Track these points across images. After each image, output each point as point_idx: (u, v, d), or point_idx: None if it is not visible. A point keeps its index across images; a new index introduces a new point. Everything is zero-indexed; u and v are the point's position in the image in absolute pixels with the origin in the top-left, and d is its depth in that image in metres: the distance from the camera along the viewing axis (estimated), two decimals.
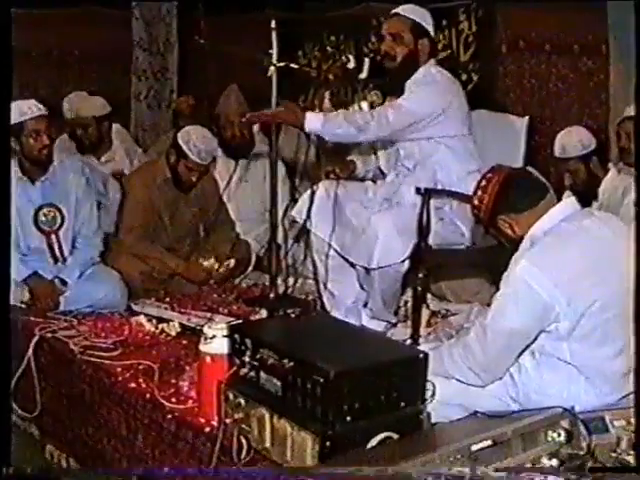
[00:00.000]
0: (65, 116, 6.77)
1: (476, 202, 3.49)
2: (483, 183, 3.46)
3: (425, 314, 4.71)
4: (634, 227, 3.28)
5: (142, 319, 4.71)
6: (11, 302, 4.75)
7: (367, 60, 4.42)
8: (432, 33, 4.69)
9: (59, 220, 5.02)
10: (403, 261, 4.36)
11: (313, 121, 4.32)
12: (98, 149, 6.47)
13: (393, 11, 4.71)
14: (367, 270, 4.46)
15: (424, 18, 4.65)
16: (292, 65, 4.36)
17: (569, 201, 3.48)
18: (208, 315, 4.82)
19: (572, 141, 5.18)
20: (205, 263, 5.43)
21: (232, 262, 5.51)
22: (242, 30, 7.87)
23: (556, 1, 6.24)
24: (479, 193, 3.47)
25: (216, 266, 5.42)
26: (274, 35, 4.29)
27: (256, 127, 6.36)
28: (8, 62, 3.38)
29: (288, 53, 8.03)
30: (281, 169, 5.89)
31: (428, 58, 4.67)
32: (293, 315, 4.30)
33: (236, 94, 6.22)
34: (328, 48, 8.17)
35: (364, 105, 4.45)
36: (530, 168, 4.47)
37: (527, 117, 4.91)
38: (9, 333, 3.39)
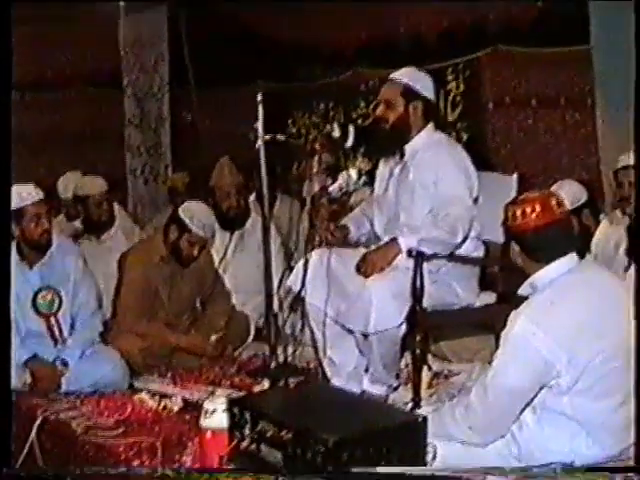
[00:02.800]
0: (60, 196, 6.84)
1: (518, 213, 3.41)
2: (537, 208, 3.38)
3: (427, 375, 4.73)
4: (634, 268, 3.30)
5: (144, 396, 4.72)
6: (13, 385, 4.82)
7: (352, 128, 4.46)
8: (430, 95, 4.73)
9: (57, 303, 5.04)
10: (400, 325, 4.37)
11: (407, 240, 4.42)
12: (99, 228, 6.53)
13: (389, 76, 4.79)
14: (365, 335, 4.47)
15: (417, 81, 4.71)
16: (279, 137, 4.40)
17: (569, 255, 3.44)
18: (210, 389, 4.84)
19: (563, 195, 5.20)
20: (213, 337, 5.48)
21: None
22: (234, 102, 7.99)
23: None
24: (528, 210, 3.39)
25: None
26: (260, 109, 4.34)
27: (252, 197, 6.42)
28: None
29: (278, 122, 8.16)
30: (276, 238, 5.94)
31: (425, 120, 4.72)
32: (292, 385, 4.32)
33: (229, 166, 6.30)
34: (314, 117, 8.25)
35: (352, 172, 4.49)
36: None
37: (516, 174, 4.93)
38: (9, 333, 3.42)
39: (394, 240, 4.48)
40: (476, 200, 4.65)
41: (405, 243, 4.42)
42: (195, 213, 5.44)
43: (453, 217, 4.45)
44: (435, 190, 4.56)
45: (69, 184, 6.87)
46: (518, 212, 3.40)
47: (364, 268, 4.44)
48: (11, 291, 3.79)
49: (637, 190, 3.61)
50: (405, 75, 4.73)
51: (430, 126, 4.73)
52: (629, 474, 3.01)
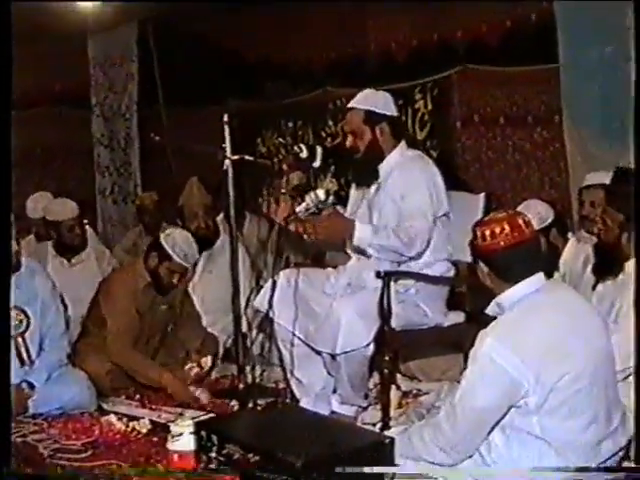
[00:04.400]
0: (29, 216, 6.80)
1: (487, 234, 3.40)
2: (506, 228, 3.39)
3: (396, 395, 4.73)
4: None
5: (112, 418, 4.72)
6: None
7: (319, 149, 4.47)
8: (393, 112, 4.74)
9: (25, 323, 5.00)
10: (368, 345, 4.37)
11: (363, 231, 4.43)
12: (71, 251, 6.48)
13: (348, 105, 4.79)
14: (333, 356, 4.47)
15: (377, 103, 4.70)
16: (247, 157, 4.39)
17: (537, 275, 3.44)
18: (179, 410, 4.86)
19: (530, 215, 5.22)
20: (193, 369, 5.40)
21: (209, 360, 5.48)
22: (203, 122, 7.97)
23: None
24: (497, 230, 3.39)
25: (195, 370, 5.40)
26: (226, 129, 4.33)
27: (220, 217, 6.42)
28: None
29: (247, 142, 8.19)
30: (245, 259, 5.94)
31: (394, 139, 4.72)
32: (259, 407, 4.30)
33: (198, 186, 6.31)
34: (279, 138, 8.25)
35: (320, 193, 4.48)
36: None
37: (483, 194, 4.96)
38: (8, 333, 3.41)
39: (352, 222, 4.49)
40: (444, 218, 4.66)
41: (359, 230, 4.43)
42: (177, 241, 5.38)
43: (414, 230, 4.46)
44: (402, 203, 4.57)
45: (38, 205, 6.83)
46: (487, 232, 3.39)
47: (305, 226, 4.46)
48: (11, 293, 3.77)
49: (636, 193, 3.62)
50: (363, 101, 4.72)
51: (402, 144, 4.75)
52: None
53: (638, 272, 3.39)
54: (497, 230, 3.38)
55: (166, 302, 5.58)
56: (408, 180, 4.60)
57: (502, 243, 3.37)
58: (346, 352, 4.36)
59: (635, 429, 3.16)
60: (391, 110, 4.74)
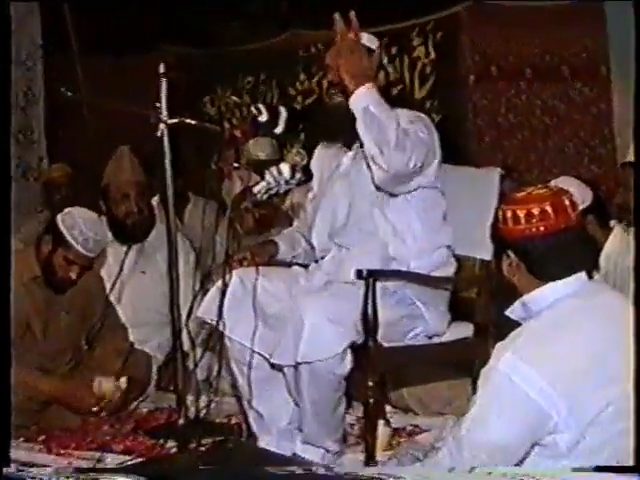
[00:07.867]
0: None
1: (521, 215, 3.38)
2: (548, 209, 3.37)
3: (384, 433, 4.74)
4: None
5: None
6: None
7: (283, 110, 4.49)
8: (384, 61, 4.84)
9: None
10: (337, 357, 4.34)
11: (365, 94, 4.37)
12: None
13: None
14: (297, 378, 4.46)
15: (372, 42, 4.74)
16: (187, 121, 4.43)
17: (578, 275, 3.42)
18: (97, 455, 4.86)
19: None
20: (103, 385, 5.46)
21: (123, 382, 5.52)
22: (131, 74, 7.99)
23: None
24: (536, 211, 3.36)
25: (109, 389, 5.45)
26: (163, 83, 4.37)
27: (155, 199, 6.43)
28: None
29: (193, 101, 8.20)
30: (190, 254, 5.98)
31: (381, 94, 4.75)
32: (204, 449, 4.32)
33: (129, 159, 6.30)
34: (234, 97, 8.27)
35: (284, 168, 4.52)
36: None
37: (499, 169, 4.98)
38: (9, 333, 3.56)
39: None
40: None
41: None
42: (77, 222, 5.38)
43: (411, 137, 4.42)
44: None
45: None
46: (521, 213, 3.38)
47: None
48: (11, 289, 3.98)
49: (636, 188, 3.70)
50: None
51: None
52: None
53: (637, 267, 3.43)
54: (536, 211, 3.36)
55: (74, 308, 5.62)
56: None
57: (542, 228, 3.35)
58: (307, 362, 4.33)
59: (635, 429, 3.19)
60: (384, 58, 4.88)
